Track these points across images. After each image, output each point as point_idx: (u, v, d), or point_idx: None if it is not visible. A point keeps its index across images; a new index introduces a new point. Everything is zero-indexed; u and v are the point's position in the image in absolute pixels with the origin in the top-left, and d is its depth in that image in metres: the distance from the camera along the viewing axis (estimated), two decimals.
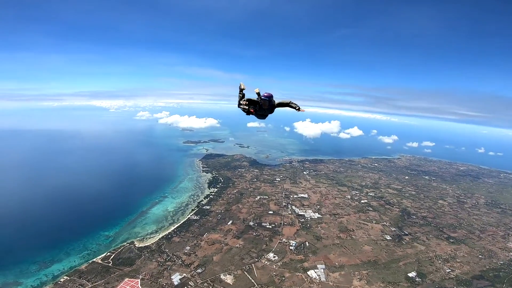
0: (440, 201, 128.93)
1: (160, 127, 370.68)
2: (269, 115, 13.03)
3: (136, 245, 77.23)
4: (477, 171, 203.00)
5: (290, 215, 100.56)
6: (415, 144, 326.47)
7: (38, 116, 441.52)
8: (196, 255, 72.89)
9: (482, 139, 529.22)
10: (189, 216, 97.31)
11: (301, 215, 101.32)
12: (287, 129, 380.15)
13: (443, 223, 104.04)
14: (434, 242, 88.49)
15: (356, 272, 69.25)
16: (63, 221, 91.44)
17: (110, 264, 68.59)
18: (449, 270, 73.19)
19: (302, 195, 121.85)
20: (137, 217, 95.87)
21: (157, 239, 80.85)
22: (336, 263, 72.65)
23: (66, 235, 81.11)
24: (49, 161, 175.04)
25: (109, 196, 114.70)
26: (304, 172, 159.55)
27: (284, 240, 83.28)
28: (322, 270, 69.43)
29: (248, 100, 12.80)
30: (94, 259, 70.42)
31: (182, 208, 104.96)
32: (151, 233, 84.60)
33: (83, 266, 67.67)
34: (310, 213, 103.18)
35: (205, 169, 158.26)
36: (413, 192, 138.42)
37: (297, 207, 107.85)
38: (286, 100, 12.48)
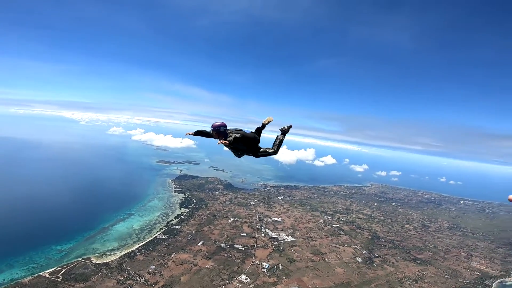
0: (407, 225, 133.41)
1: (133, 144, 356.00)
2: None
3: (93, 261, 70.06)
4: (439, 198, 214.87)
5: (263, 238, 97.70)
6: (383, 173, 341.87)
7: (1, 122, 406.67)
8: (162, 274, 67.12)
9: (443, 170, 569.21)
10: (156, 235, 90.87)
11: (274, 238, 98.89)
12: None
13: (410, 246, 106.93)
14: (402, 263, 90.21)
15: None
16: (9, 232, 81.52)
17: (59, 279, 61.37)
18: None
19: (276, 218, 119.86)
20: (97, 233, 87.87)
21: (118, 256, 73.87)
22: (310, 286, 70.52)
23: (10, 246, 72.20)
24: (7, 170, 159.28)
25: (68, 210, 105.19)
26: (279, 197, 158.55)
27: (257, 262, 79.92)
28: None
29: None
30: (41, 273, 63.04)
31: (150, 226, 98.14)
32: (112, 250, 77.31)
33: (26, 279, 60.21)
34: (283, 236, 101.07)
35: (177, 189, 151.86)
36: (382, 217, 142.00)
37: (271, 230, 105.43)
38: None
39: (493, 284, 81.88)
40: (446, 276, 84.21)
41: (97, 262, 70.39)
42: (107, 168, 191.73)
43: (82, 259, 71.51)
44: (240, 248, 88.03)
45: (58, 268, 66.06)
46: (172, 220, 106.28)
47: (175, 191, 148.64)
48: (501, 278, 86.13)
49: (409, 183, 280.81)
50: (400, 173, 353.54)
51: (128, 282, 62.60)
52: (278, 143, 11.00)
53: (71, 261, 69.80)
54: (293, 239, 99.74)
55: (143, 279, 64.40)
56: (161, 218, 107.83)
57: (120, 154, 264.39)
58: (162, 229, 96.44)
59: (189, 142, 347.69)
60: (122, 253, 76.05)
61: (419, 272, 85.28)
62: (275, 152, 10.84)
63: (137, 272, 66.77)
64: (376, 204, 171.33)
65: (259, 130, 10.64)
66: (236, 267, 75.86)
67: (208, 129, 9.91)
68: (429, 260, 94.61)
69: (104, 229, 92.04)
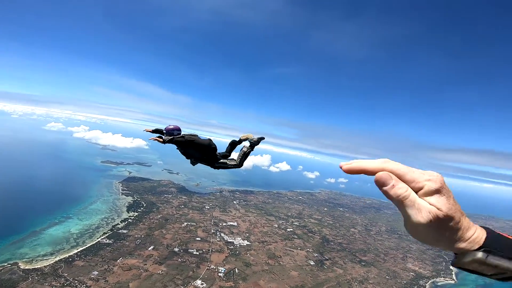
0: (352, 229, 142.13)
1: (75, 141, 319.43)
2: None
3: (21, 267, 59.84)
4: (379, 204, 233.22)
5: (218, 242, 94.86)
6: (332, 180, 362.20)
7: None
8: (107, 280, 60.05)
9: None
10: (99, 239, 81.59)
11: (230, 242, 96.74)
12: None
13: (355, 248, 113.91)
14: (350, 265, 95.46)
15: None
16: None
17: None
18: None
19: (232, 223, 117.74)
20: (26, 237, 75.64)
21: (52, 262, 64.31)
22: None
23: None
24: None
25: None
26: (234, 202, 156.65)
27: (212, 266, 76.96)
28: None
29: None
30: None
31: (91, 230, 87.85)
32: (44, 255, 67.15)
33: None
34: (239, 240, 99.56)
35: (125, 192, 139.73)
36: (331, 222, 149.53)
37: (226, 235, 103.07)
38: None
39: (427, 284, 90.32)
40: (387, 277, 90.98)
41: (26, 267, 60.44)
42: (41, 167, 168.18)
43: (8, 264, 61.14)
44: (194, 252, 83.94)
45: None
46: (118, 224, 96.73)
47: (122, 193, 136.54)
48: (433, 278, 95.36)
49: (354, 189, 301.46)
50: (347, 180, 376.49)
51: None
52: (243, 155, 9.37)
53: None
54: (248, 243, 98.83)
55: (84, 285, 56.78)
56: (105, 222, 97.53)
57: (58, 152, 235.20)
58: (106, 233, 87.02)
59: (140, 142, 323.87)
60: (57, 258, 66.20)
61: (364, 273, 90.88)
62: (238, 165, 9.32)
63: (76, 278, 58.52)
64: (326, 209, 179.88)
65: (233, 144, 9.56)
66: (191, 272, 71.99)
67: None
68: (372, 262, 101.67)
69: (34, 232, 79.51)
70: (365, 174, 2.23)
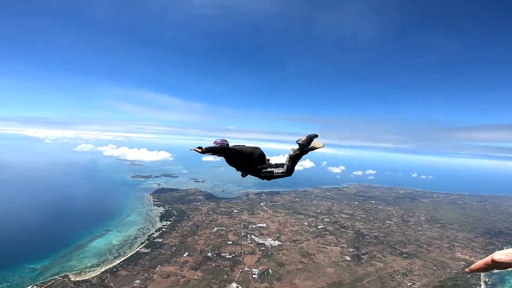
0: (388, 221, 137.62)
1: (105, 160, 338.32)
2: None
3: (71, 279, 65.00)
4: (414, 193, 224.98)
5: (250, 244, 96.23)
6: (360, 173, 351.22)
7: None
8: None
9: (414, 166, 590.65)
10: (138, 249, 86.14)
11: (261, 243, 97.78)
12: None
13: (394, 241, 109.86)
14: (390, 258, 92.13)
15: None
16: None
17: None
18: (410, 284, 75.84)
19: (261, 224, 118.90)
20: (73, 250, 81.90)
21: (98, 272, 69.03)
22: None
23: None
24: None
25: (38, 228, 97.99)
26: (261, 204, 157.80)
27: (246, 269, 78.30)
28: None
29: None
30: None
31: (130, 241, 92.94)
32: (91, 267, 72.19)
33: None
34: (270, 241, 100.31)
35: (156, 203, 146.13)
36: (363, 215, 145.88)
37: (257, 236, 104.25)
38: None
39: (481, 273, 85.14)
40: (434, 268, 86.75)
41: (76, 279, 65.42)
42: (78, 186, 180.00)
43: (59, 276, 66.52)
44: (227, 256, 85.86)
45: (34, 287, 61.40)
46: (153, 233, 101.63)
47: (154, 204, 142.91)
48: None
49: (384, 180, 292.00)
50: (375, 171, 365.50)
51: None
52: (289, 160, 8.16)
53: (47, 279, 65.25)
54: (280, 243, 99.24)
55: None
56: (141, 232, 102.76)
57: (92, 172, 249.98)
58: (143, 243, 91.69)
59: (165, 155, 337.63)
60: (103, 269, 71.05)
61: (407, 265, 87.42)
62: (286, 174, 8.27)
63: None
64: (356, 203, 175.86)
65: (297, 156, 8.10)
66: (226, 276, 73.75)
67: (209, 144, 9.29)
68: (414, 253, 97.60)
69: (80, 246, 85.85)
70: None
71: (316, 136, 7.78)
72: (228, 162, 9.16)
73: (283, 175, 8.31)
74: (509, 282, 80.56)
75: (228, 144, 9.15)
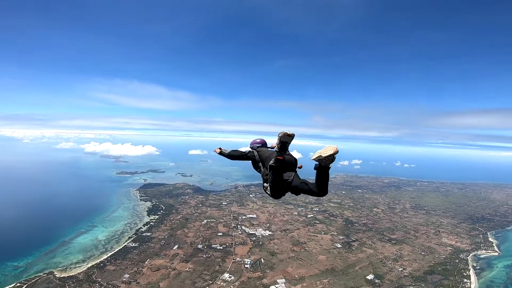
0: (375, 209, 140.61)
1: (88, 157, 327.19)
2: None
3: (57, 275, 62.12)
4: (398, 182, 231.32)
5: (240, 235, 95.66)
6: (346, 163, 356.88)
7: None
8: (138, 282, 61.64)
9: (397, 155, 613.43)
10: (125, 243, 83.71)
11: (252, 234, 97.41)
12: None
13: (382, 227, 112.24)
14: (380, 244, 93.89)
15: (318, 282, 68.06)
16: None
17: None
18: (401, 269, 77.33)
19: (251, 215, 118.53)
20: (58, 247, 78.76)
21: (84, 268, 66.52)
22: (296, 276, 70.34)
23: None
24: None
25: (21, 226, 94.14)
26: (251, 195, 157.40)
27: (238, 259, 77.67)
28: (283, 285, 66.31)
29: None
30: None
31: (117, 236, 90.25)
32: (77, 263, 69.45)
33: None
34: (261, 231, 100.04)
35: (143, 198, 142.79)
36: (351, 204, 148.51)
37: (247, 227, 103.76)
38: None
39: (468, 258, 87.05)
40: (423, 253, 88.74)
41: (62, 275, 62.84)
42: (61, 184, 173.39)
43: (44, 273, 63.88)
44: (218, 247, 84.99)
45: (18, 284, 59.30)
46: (141, 227, 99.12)
47: (140, 199, 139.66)
48: (473, 251, 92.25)
49: (370, 170, 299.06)
50: (361, 161, 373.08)
51: None
52: (317, 177, 6.37)
53: (32, 276, 62.70)
54: (270, 233, 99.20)
55: None
56: (129, 227, 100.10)
57: (74, 169, 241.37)
58: (131, 237, 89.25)
59: (150, 149, 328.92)
60: (89, 264, 68.46)
61: (397, 251, 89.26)
62: (318, 193, 6.43)
63: (109, 282, 60.38)
64: (344, 192, 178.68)
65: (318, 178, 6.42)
66: (218, 267, 72.89)
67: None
68: (402, 239, 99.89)
69: (64, 242, 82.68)
70: None
71: (289, 135, 6.60)
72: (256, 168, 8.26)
73: (314, 193, 6.55)
74: (497, 267, 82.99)
75: (260, 144, 8.38)
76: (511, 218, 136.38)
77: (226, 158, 8.43)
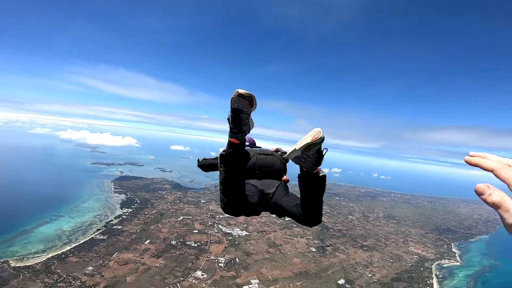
0: (350, 216, 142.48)
1: (63, 145, 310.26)
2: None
3: (12, 264, 57.06)
4: (374, 192, 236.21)
5: (217, 234, 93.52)
6: (326, 170, 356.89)
7: None
8: (103, 275, 57.73)
9: (375, 167, 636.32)
10: (92, 235, 79.07)
11: (228, 233, 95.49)
12: (213, 154, 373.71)
13: (356, 234, 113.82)
14: (352, 250, 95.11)
15: (291, 284, 67.47)
16: None
17: None
18: (370, 275, 78.40)
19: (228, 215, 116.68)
20: (16, 236, 72.49)
21: (44, 259, 61.48)
22: (270, 277, 69.42)
23: None
24: None
25: None
26: None
27: (212, 257, 75.57)
28: (257, 285, 65.15)
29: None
30: None
31: (84, 228, 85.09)
32: (36, 253, 64.12)
33: None
34: (237, 231, 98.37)
35: (117, 190, 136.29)
36: (328, 210, 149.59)
37: (224, 226, 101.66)
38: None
39: (432, 266, 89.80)
40: (391, 261, 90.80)
41: (17, 265, 57.67)
42: (29, 171, 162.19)
43: None
44: (192, 244, 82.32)
45: None
46: (111, 220, 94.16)
47: (114, 191, 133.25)
48: (437, 260, 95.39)
49: (348, 179, 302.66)
50: (341, 170, 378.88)
51: (59, 285, 51.94)
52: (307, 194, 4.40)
53: None
54: (247, 233, 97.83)
55: (79, 281, 54.31)
56: (98, 219, 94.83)
57: (46, 156, 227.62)
58: (100, 229, 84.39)
59: (130, 141, 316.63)
60: (49, 255, 63.41)
61: (368, 257, 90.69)
62: (304, 219, 4.44)
63: (70, 274, 56.11)
64: None
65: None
66: (190, 264, 70.42)
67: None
68: (373, 247, 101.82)
69: (24, 231, 76.42)
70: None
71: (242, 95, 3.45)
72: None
73: (298, 220, 4.57)
74: (458, 276, 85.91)
75: (250, 144, 6.31)
76: (474, 231, 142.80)
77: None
